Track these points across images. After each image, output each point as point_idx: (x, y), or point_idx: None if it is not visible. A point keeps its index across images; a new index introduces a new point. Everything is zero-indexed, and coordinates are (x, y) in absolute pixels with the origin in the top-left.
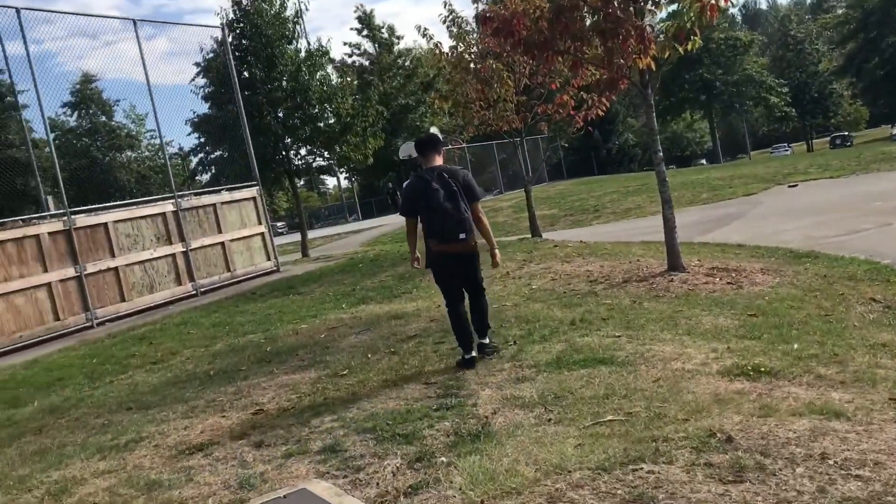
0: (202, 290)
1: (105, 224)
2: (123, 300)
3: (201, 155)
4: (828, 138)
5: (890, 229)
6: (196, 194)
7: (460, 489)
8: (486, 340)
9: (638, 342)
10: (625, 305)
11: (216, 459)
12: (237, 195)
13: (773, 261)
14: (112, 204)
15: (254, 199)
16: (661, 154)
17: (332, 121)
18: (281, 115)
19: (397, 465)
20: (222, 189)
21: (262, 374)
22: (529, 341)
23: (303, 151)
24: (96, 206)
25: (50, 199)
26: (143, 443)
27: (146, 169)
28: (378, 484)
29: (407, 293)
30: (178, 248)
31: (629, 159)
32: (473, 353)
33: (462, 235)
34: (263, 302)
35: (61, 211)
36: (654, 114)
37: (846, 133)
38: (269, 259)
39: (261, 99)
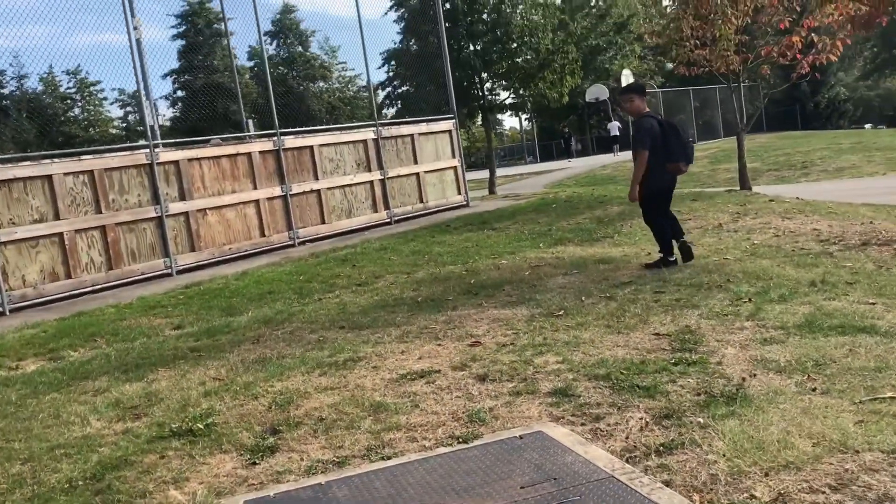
0: (395, 218)
1: (311, 147)
2: (323, 222)
3: (389, 89)
4: None
5: None
6: (395, 124)
7: (724, 455)
8: (664, 255)
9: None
10: (869, 270)
11: (439, 388)
12: (434, 127)
13: None
14: (318, 128)
15: (449, 132)
16: None
17: (530, 56)
18: (479, 48)
19: (642, 419)
20: (420, 120)
21: (470, 305)
22: (766, 300)
23: (498, 87)
24: (303, 129)
25: (250, 122)
26: (362, 363)
27: (336, 100)
28: (624, 437)
29: (608, 237)
30: (376, 175)
31: (838, 115)
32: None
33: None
34: (459, 234)
35: (272, 131)
36: None
37: None
38: (459, 193)
39: (461, 31)
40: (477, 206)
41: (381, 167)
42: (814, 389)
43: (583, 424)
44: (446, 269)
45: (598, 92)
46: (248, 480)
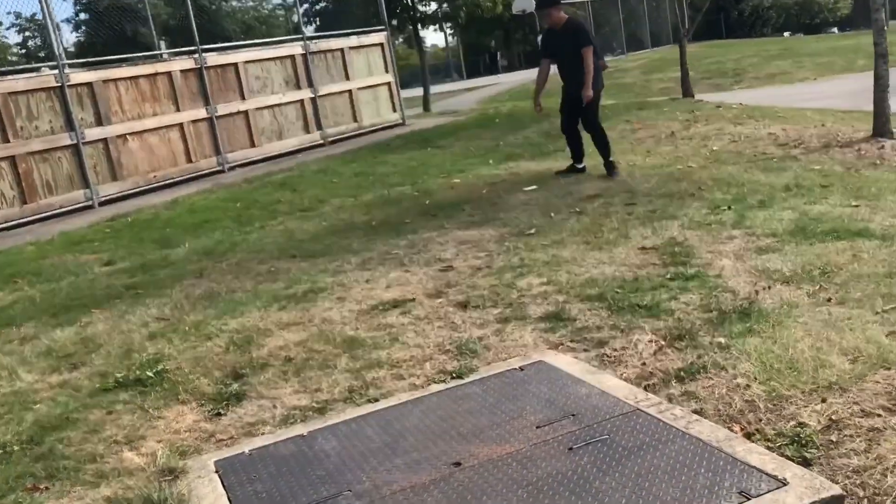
0: (329, 139)
1: (235, 65)
2: (253, 145)
3: (306, 6)
4: None
5: None
6: (324, 37)
7: (755, 379)
8: (611, 160)
9: (887, 213)
10: (838, 172)
11: (417, 318)
12: (365, 40)
13: None
14: (241, 43)
15: (381, 45)
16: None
17: None
18: None
19: (652, 341)
20: (350, 33)
21: (430, 227)
22: (746, 206)
23: None
24: (226, 44)
25: (163, 43)
26: (324, 295)
27: (252, 19)
28: (637, 363)
29: (559, 150)
30: (306, 93)
31: (762, 23)
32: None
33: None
34: (401, 154)
35: (192, 48)
36: None
37: None
38: (395, 111)
39: None
40: (414, 124)
41: (311, 85)
42: (829, 300)
43: (586, 350)
44: (395, 190)
45: (524, 4)
46: (216, 435)
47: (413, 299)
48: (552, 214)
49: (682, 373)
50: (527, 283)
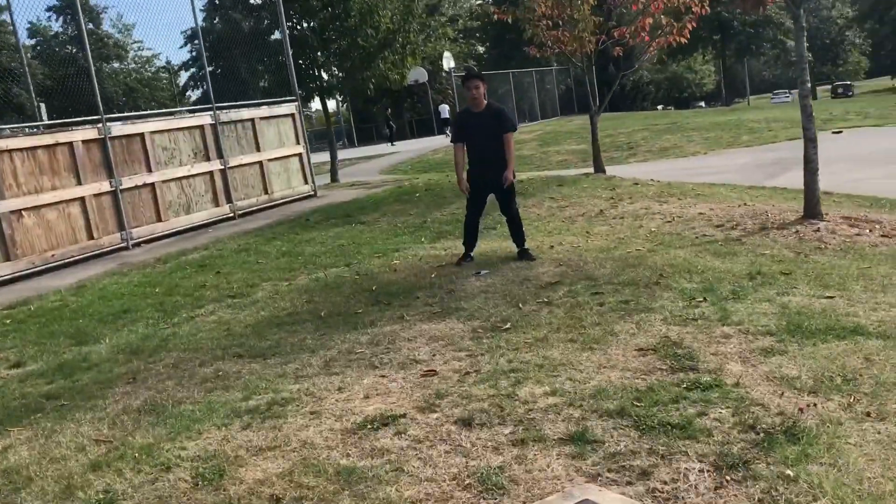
0: (240, 212)
1: (142, 135)
2: (160, 220)
3: (193, 70)
4: (826, 87)
5: None
6: (235, 107)
7: None
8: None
9: (865, 306)
10: (790, 258)
11: (416, 441)
12: (276, 111)
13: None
14: (149, 112)
15: (292, 115)
16: (809, 85)
17: (370, 34)
18: (315, 25)
19: (703, 471)
20: (261, 103)
21: (389, 319)
22: (720, 297)
23: (334, 67)
24: (132, 114)
25: (42, 106)
26: (293, 408)
27: (133, 81)
28: (698, 501)
29: (491, 228)
30: (215, 165)
31: (643, 97)
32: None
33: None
34: (325, 231)
35: (96, 117)
36: (804, 36)
37: (848, 83)
38: (306, 182)
39: (296, 6)
40: (326, 196)
41: (220, 156)
42: (868, 414)
43: (630, 483)
44: (331, 272)
45: (418, 74)
46: None
47: (403, 415)
48: (520, 305)
49: None
50: (528, 392)
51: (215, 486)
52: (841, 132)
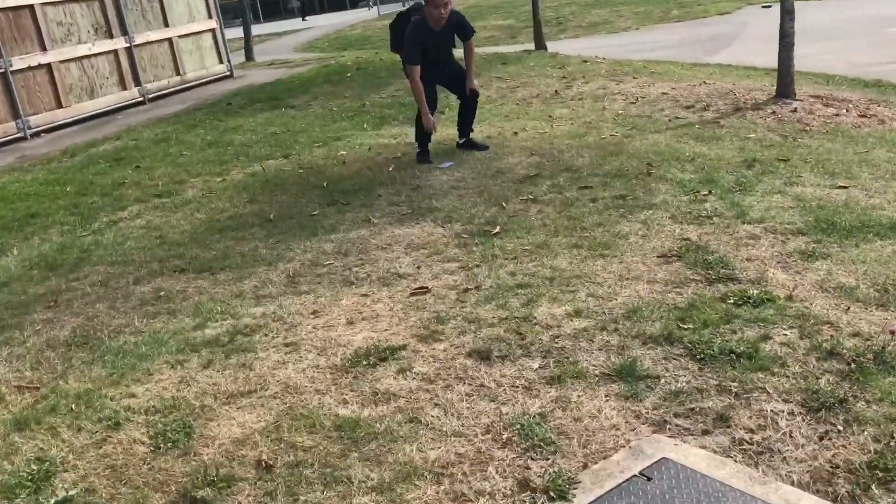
0: (150, 96)
1: (31, 6)
2: (60, 106)
3: None
4: None
5: None
6: None
7: None
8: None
9: (885, 197)
10: (777, 142)
11: (426, 379)
12: None
13: (859, 91)
14: None
15: None
16: None
17: None
18: None
19: (793, 414)
20: None
21: (353, 223)
22: (726, 190)
23: None
24: None
25: None
26: (262, 338)
27: None
28: (799, 454)
29: (440, 113)
30: (120, 43)
31: None
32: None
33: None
34: (252, 117)
35: None
36: None
37: None
38: (221, 62)
39: None
40: (244, 77)
41: (125, 32)
42: None
43: (706, 433)
44: (270, 166)
45: None
46: None
47: (403, 346)
48: (503, 204)
49: (879, 472)
50: (547, 314)
51: (183, 450)
52: (770, 6)
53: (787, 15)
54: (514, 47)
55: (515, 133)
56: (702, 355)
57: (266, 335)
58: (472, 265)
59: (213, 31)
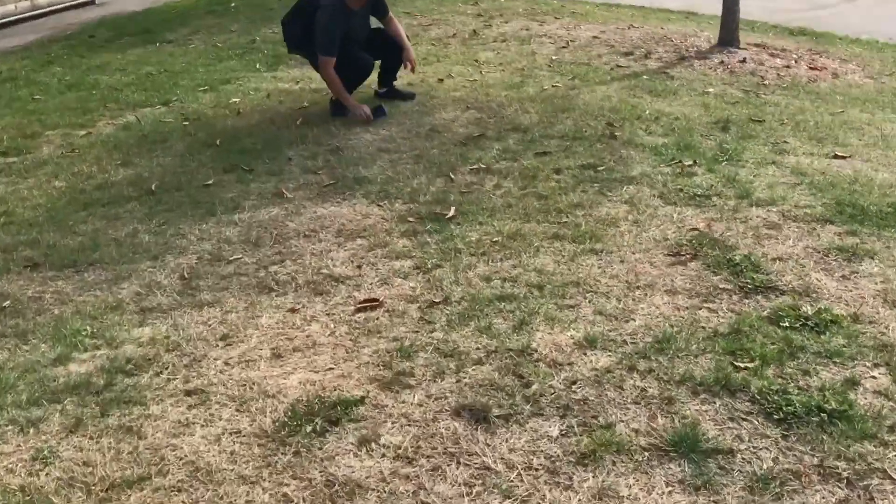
0: None
1: None
2: None
3: None
4: None
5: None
6: None
7: None
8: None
9: (889, 171)
10: (740, 98)
11: (403, 458)
12: None
13: (790, 40)
14: None
15: None
16: None
17: None
18: None
19: None
20: None
21: (262, 198)
22: (711, 159)
23: None
24: None
25: None
26: (152, 378)
27: None
28: None
29: None
30: None
31: None
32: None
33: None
34: (120, 52)
35: None
36: None
37: None
38: None
39: None
40: (108, 3)
41: None
42: None
43: None
44: (146, 116)
45: None
46: None
47: (362, 399)
48: (450, 175)
49: None
50: (549, 342)
51: None
52: None
53: None
54: None
55: (440, 81)
56: (780, 414)
57: (158, 374)
58: (431, 264)
59: None
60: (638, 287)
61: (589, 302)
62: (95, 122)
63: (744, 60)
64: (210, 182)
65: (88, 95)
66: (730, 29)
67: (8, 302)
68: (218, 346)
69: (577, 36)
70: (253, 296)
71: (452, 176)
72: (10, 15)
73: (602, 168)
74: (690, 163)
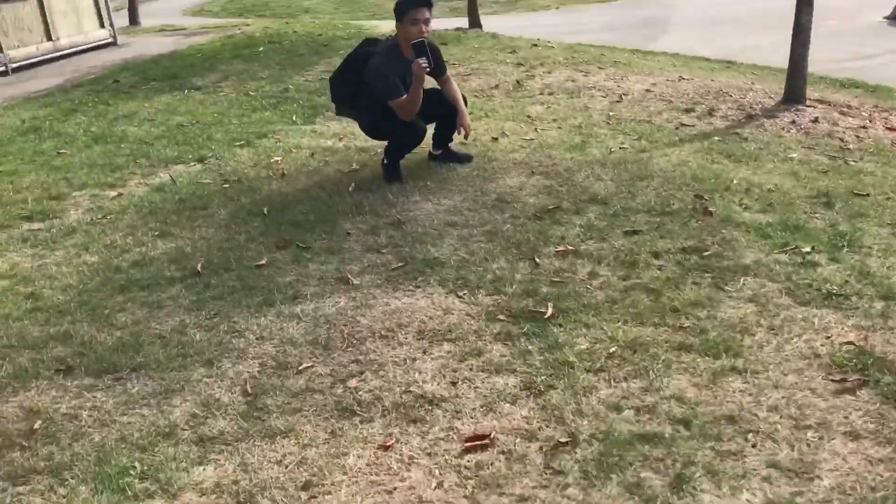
0: (14, 65)
1: None
2: None
3: None
4: None
5: None
6: None
7: None
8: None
9: None
10: (826, 165)
11: None
12: None
13: (845, 93)
14: None
15: None
16: None
17: None
18: None
19: None
20: None
21: (324, 283)
22: (828, 245)
23: None
24: None
25: None
26: None
27: None
28: None
29: None
30: None
31: None
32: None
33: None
34: (147, 99)
35: None
36: None
37: None
38: (102, 25)
39: None
40: (130, 45)
41: None
42: None
43: None
44: (182, 175)
45: None
46: None
47: None
48: (535, 258)
49: None
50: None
51: None
52: None
53: (805, 5)
54: (448, 23)
55: (495, 139)
56: None
57: None
58: (541, 384)
59: None
60: (808, 426)
61: (753, 447)
62: (126, 181)
63: (816, 120)
64: (263, 262)
65: (116, 149)
66: (797, 85)
67: (40, 422)
68: (300, 498)
69: (628, 89)
70: (333, 422)
71: (536, 259)
72: (32, 57)
73: (707, 253)
74: (808, 249)
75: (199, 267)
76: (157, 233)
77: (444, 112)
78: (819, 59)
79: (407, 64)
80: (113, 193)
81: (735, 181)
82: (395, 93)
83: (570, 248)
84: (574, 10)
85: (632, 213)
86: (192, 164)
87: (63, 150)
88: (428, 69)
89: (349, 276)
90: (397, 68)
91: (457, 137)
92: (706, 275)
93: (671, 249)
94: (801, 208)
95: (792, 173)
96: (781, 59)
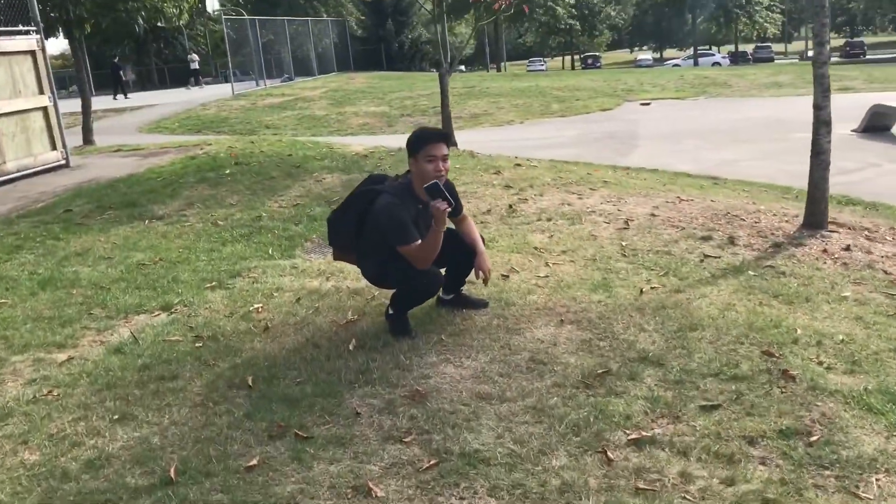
0: None
1: None
2: None
3: None
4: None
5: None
6: None
7: None
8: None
9: None
10: (886, 305)
11: None
12: (7, 44)
13: (848, 212)
14: None
15: (33, 53)
16: (829, 48)
17: None
18: None
19: None
20: None
21: (339, 496)
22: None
23: None
24: None
25: None
26: None
27: None
28: None
29: None
30: None
31: (420, 57)
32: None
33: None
34: (102, 232)
35: None
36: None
37: (597, 54)
38: (54, 147)
39: None
40: (84, 167)
41: None
42: None
43: None
44: (144, 329)
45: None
46: None
47: None
48: (605, 451)
49: None
50: None
51: None
52: (649, 104)
53: (824, 127)
54: (397, 139)
55: (505, 277)
56: None
57: None
58: None
59: (44, 109)
60: None
61: None
62: (77, 339)
63: (848, 248)
64: (253, 462)
65: (67, 296)
66: (818, 210)
67: None
68: None
69: (630, 213)
70: None
71: (609, 454)
72: None
73: (815, 439)
74: (881, 414)
75: (171, 472)
76: (116, 416)
77: (461, 255)
78: (801, 174)
79: (417, 208)
80: (62, 357)
81: (799, 331)
82: (410, 238)
83: (644, 434)
84: (537, 124)
85: (696, 378)
86: (157, 313)
87: (2, 300)
88: (449, 210)
89: (370, 485)
90: (410, 210)
91: (476, 282)
92: (826, 473)
93: (767, 433)
94: (885, 367)
95: (856, 318)
96: (762, 174)
